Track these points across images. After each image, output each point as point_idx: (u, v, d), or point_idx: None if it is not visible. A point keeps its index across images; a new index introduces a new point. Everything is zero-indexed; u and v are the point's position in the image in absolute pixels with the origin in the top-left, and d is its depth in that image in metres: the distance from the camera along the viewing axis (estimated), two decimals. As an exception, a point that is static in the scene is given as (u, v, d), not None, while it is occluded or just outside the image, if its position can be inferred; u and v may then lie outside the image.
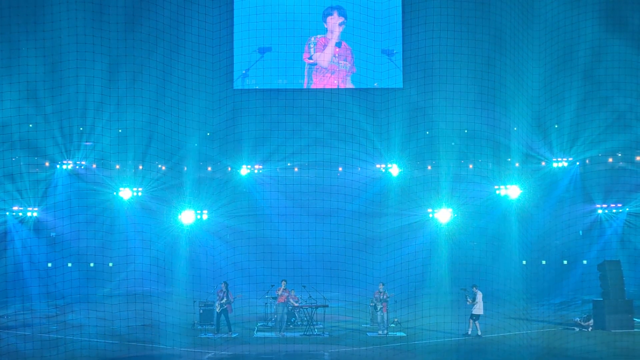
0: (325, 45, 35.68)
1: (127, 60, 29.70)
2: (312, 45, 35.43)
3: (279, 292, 23.73)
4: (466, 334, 22.65)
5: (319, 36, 35.50)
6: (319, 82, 35.88)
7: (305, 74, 36.16)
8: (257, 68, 35.39)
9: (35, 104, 29.94)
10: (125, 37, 29.68)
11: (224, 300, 23.07)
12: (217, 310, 23.20)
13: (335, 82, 35.81)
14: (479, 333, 22.63)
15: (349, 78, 36.07)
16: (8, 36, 30.72)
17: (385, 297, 23.52)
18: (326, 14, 35.56)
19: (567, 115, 31.27)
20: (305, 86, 35.92)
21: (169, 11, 28.53)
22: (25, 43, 29.82)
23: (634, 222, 32.76)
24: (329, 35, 35.73)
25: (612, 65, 30.62)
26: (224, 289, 23.30)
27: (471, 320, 22.85)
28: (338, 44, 35.92)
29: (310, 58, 35.69)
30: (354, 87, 35.80)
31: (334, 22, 35.71)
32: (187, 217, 33.78)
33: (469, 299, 22.98)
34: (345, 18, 35.55)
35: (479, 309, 22.78)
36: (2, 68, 29.14)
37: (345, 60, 35.93)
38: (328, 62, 35.63)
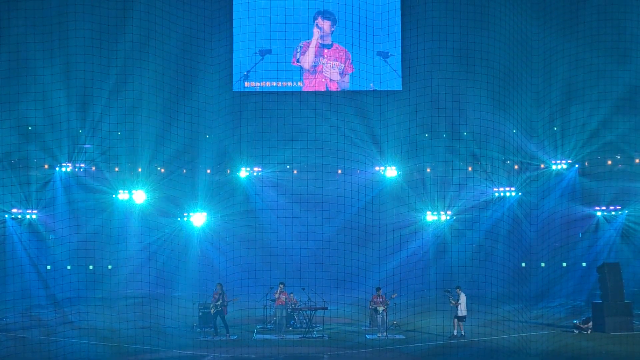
0: (309, 48, 36.18)
1: (127, 63, 29.74)
2: (298, 50, 35.99)
3: (277, 295, 23.72)
4: (452, 336, 22.68)
5: (306, 41, 36.00)
6: (308, 83, 36.25)
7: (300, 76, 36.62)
8: (257, 70, 35.58)
9: (34, 106, 29.94)
10: (124, 39, 29.75)
11: (219, 302, 23.06)
12: (212, 312, 23.21)
13: (323, 81, 36.14)
14: (463, 333, 22.70)
15: (344, 77, 36.28)
16: (7, 39, 30.73)
17: (384, 299, 23.50)
18: (314, 18, 36.07)
19: (566, 117, 31.31)
20: (301, 83, 36.35)
21: (169, 14, 28.56)
22: (25, 45, 29.84)
23: (633, 225, 32.79)
24: (314, 38, 36.20)
25: (616, 66, 30.68)
26: (220, 291, 23.30)
27: (455, 321, 22.94)
28: (328, 46, 36.28)
29: (297, 61, 36.13)
30: (348, 86, 36.03)
31: (320, 26, 36.18)
32: (186, 219, 33.84)
33: (452, 301, 23.04)
34: (333, 22, 36.05)
35: (462, 310, 22.86)
36: (2, 70, 29.15)
37: (337, 60, 36.23)
38: (310, 64, 36.19)
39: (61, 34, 27.36)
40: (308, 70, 36.38)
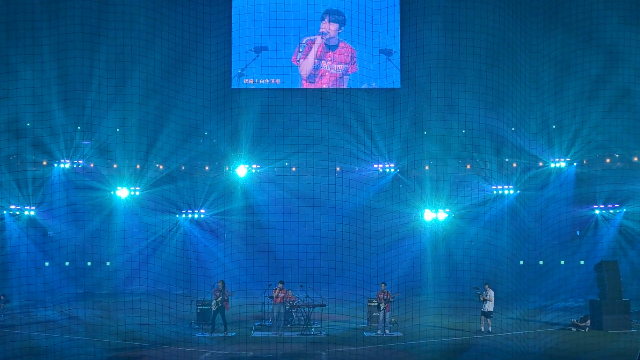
0: (308, 53, 35.80)
1: (125, 59, 29.66)
2: (300, 50, 35.67)
3: (276, 293, 23.58)
4: (478, 331, 23.01)
5: (310, 39, 35.66)
6: (307, 85, 35.96)
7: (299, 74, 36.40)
8: (255, 66, 35.42)
9: (33, 102, 29.90)
10: (123, 35, 29.65)
11: (219, 298, 23.03)
12: (213, 308, 23.15)
13: (325, 85, 35.87)
14: (490, 329, 22.99)
15: (344, 79, 36.07)
16: (6, 33, 30.68)
17: (389, 297, 23.42)
18: (321, 18, 35.77)
19: (564, 115, 31.29)
20: (299, 86, 36.08)
21: (167, 9, 28.51)
22: (24, 40, 29.76)
23: (631, 223, 32.80)
24: (318, 39, 35.88)
25: (612, 64, 30.65)
26: (221, 287, 23.26)
27: (482, 317, 23.28)
28: (333, 47, 35.98)
29: (297, 60, 35.88)
30: (347, 84, 35.87)
31: (325, 28, 35.93)
32: (184, 216, 33.83)
33: (480, 297, 23.18)
34: (340, 23, 35.70)
35: (489, 306, 23.25)
36: (1, 65, 29.12)
37: (341, 63, 35.93)
38: (307, 71, 35.80)
39: (59, 29, 27.27)
40: (308, 76, 36.00)
